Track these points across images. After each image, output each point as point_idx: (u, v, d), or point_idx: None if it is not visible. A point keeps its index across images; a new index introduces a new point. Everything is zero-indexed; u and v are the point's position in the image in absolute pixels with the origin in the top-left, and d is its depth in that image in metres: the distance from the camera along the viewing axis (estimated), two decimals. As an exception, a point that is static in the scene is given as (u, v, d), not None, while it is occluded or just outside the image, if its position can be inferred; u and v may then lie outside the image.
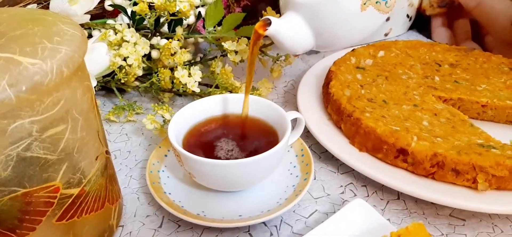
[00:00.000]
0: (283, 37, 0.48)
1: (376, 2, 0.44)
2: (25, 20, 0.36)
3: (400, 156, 0.48)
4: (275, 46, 0.74)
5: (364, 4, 0.44)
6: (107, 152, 0.42)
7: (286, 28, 0.48)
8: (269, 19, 0.47)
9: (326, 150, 0.54)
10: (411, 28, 0.91)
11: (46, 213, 0.35)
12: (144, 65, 0.61)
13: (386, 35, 0.87)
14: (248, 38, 0.64)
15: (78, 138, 0.36)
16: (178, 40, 0.59)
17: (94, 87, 0.59)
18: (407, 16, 0.88)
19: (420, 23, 0.90)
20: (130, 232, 0.45)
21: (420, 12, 0.89)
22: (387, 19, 0.85)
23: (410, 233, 0.38)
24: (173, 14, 0.59)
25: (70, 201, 0.37)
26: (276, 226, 0.45)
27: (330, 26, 0.47)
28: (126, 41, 0.56)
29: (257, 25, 0.48)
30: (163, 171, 0.50)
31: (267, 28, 0.47)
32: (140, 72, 0.59)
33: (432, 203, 0.48)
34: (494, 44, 0.80)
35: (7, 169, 0.31)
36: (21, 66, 0.30)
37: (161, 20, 0.60)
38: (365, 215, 0.43)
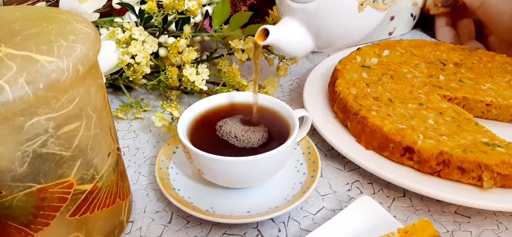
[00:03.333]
0: (283, 44, 0.48)
1: (373, 1, 0.44)
2: (39, 18, 0.37)
3: (406, 154, 0.49)
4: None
5: (361, 4, 0.44)
6: (118, 149, 0.43)
7: (285, 35, 0.48)
8: (267, 29, 0.47)
9: (332, 148, 0.55)
10: (415, 27, 0.91)
11: (60, 209, 0.36)
12: (152, 63, 0.61)
13: (390, 34, 0.87)
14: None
15: (91, 135, 0.36)
16: (186, 38, 0.59)
17: (103, 84, 0.59)
18: (411, 15, 0.88)
19: (424, 22, 0.90)
20: (140, 228, 0.45)
21: (424, 11, 0.89)
22: (392, 18, 0.85)
23: (417, 229, 0.39)
24: (181, 13, 0.59)
25: (83, 197, 0.37)
26: (284, 222, 0.46)
27: (329, 28, 0.47)
28: (135, 39, 0.57)
29: (256, 36, 0.48)
30: (172, 168, 0.51)
31: (266, 38, 0.47)
32: (148, 70, 0.60)
33: (437, 200, 0.48)
34: (497, 44, 0.81)
35: (23, 165, 0.32)
36: (38, 64, 0.31)
37: (169, 18, 0.61)
38: (372, 212, 0.44)
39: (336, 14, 0.45)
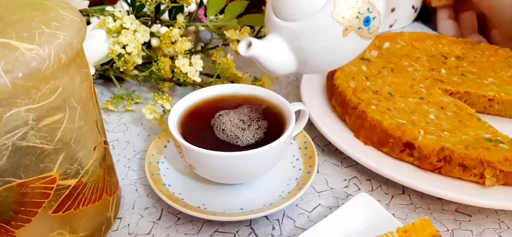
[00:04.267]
0: (265, 60, 0.46)
1: (359, 28, 0.43)
2: (23, 4, 0.35)
3: (406, 150, 0.47)
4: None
5: (346, 29, 0.43)
6: (106, 143, 0.41)
7: (268, 51, 0.46)
8: (250, 41, 0.46)
9: (330, 143, 0.53)
10: (416, 20, 0.90)
11: (42, 205, 0.34)
12: (144, 54, 0.60)
13: (391, 26, 0.85)
14: (251, 27, 0.62)
15: (76, 127, 0.35)
16: (179, 28, 0.57)
17: (92, 75, 0.57)
18: (413, 7, 0.86)
19: (426, 15, 0.89)
20: (129, 225, 0.44)
21: (425, 3, 0.87)
22: (392, 10, 0.83)
23: (417, 229, 0.37)
24: (174, 1, 0.57)
25: (67, 192, 0.36)
26: (278, 220, 0.44)
27: (312, 50, 0.45)
28: (126, 28, 0.55)
29: (238, 46, 0.47)
30: (162, 162, 0.49)
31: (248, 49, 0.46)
32: (139, 61, 0.58)
33: (437, 198, 0.47)
34: (500, 38, 0.79)
35: (2, 159, 0.30)
36: (17, 52, 0.29)
37: (162, 7, 0.59)
38: (370, 210, 0.42)
39: (320, 36, 0.43)
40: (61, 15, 0.34)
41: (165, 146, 0.51)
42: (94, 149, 0.38)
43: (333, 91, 0.57)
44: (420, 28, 0.87)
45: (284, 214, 0.45)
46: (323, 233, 0.40)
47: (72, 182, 0.36)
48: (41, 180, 0.33)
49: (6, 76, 0.28)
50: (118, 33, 0.56)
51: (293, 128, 0.46)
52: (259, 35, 0.65)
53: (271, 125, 0.47)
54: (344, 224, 0.41)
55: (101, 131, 0.40)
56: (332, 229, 0.40)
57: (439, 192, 0.44)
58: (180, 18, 0.59)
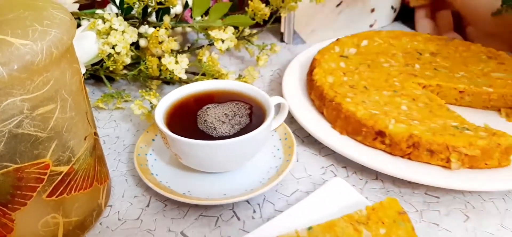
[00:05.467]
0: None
1: None
2: (17, 5, 0.38)
3: (378, 138, 0.51)
4: (261, 35, 0.77)
5: None
6: (96, 134, 0.44)
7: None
8: None
9: (309, 135, 0.56)
10: (396, 19, 0.93)
11: (37, 189, 0.37)
12: (132, 54, 0.62)
13: (371, 26, 0.89)
14: (235, 27, 0.66)
15: (67, 117, 0.38)
16: (166, 28, 0.60)
17: (83, 74, 0.60)
18: (392, 7, 0.90)
19: (405, 14, 0.92)
20: (119, 211, 0.46)
21: (404, 3, 0.91)
22: (372, 10, 0.87)
23: (384, 207, 0.40)
24: (160, 3, 0.60)
25: (59, 178, 0.38)
26: (258, 204, 0.47)
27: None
28: (115, 29, 0.58)
29: None
30: (150, 154, 0.52)
31: None
32: (128, 60, 0.61)
33: (408, 182, 0.50)
34: (475, 35, 0.82)
35: (-1, 145, 0.33)
36: (12, 47, 0.32)
37: (149, 9, 0.62)
38: (344, 193, 0.45)
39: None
40: (53, 14, 0.37)
41: (153, 140, 0.54)
42: (85, 139, 0.41)
43: (312, 86, 0.60)
44: (400, 27, 0.90)
45: (264, 198, 0.48)
46: (299, 215, 0.43)
47: (64, 168, 0.39)
48: (35, 166, 0.36)
49: (3, 68, 0.31)
50: (108, 34, 0.59)
51: (274, 121, 0.49)
52: (242, 35, 0.69)
53: (253, 117, 0.50)
54: (319, 206, 0.44)
55: (91, 123, 0.42)
56: (308, 210, 0.43)
57: (409, 176, 0.47)
58: (167, 19, 0.62)
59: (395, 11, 0.91)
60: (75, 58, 0.40)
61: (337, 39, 0.70)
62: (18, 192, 0.36)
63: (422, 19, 0.87)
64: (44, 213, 0.39)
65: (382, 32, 0.74)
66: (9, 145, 0.34)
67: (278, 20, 0.82)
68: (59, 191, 0.39)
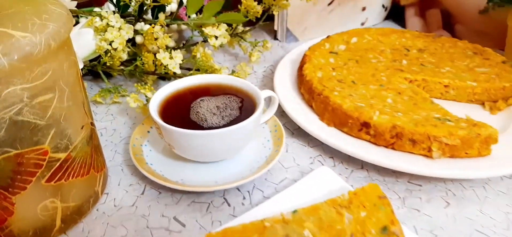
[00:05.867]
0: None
1: None
2: (17, 0, 0.40)
3: (363, 129, 0.53)
4: (256, 33, 0.79)
5: None
6: (92, 124, 0.46)
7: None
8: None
9: (299, 127, 0.58)
10: (387, 18, 0.95)
11: (36, 174, 0.39)
12: (129, 50, 0.65)
13: (362, 24, 0.91)
14: (228, 24, 0.68)
15: (65, 107, 0.40)
16: (161, 25, 0.62)
17: (81, 69, 0.62)
18: (383, 6, 0.92)
19: (396, 13, 0.94)
20: (115, 199, 0.49)
21: (395, 2, 0.93)
22: (363, 9, 0.89)
23: (365, 192, 0.42)
24: (155, 1, 0.62)
25: (57, 164, 0.41)
26: (248, 191, 0.49)
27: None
28: (111, 26, 0.60)
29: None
30: (145, 145, 0.54)
31: None
32: (125, 56, 0.63)
33: (392, 171, 0.52)
34: (464, 32, 0.85)
35: (1, 131, 0.35)
36: (13, 39, 0.34)
37: (145, 7, 0.64)
38: (329, 181, 0.47)
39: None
40: (51, 9, 0.39)
41: (148, 132, 0.56)
42: (82, 128, 0.43)
43: (302, 80, 0.62)
44: (391, 25, 0.93)
45: (254, 186, 0.50)
46: (286, 200, 0.45)
47: (62, 155, 0.41)
48: (34, 152, 0.38)
49: (4, 58, 0.33)
50: (105, 31, 0.61)
51: (265, 114, 0.51)
52: (235, 32, 0.71)
53: (244, 109, 0.52)
54: (305, 192, 0.46)
55: (88, 113, 0.45)
56: (294, 196, 0.45)
57: (392, 165, 0.50)
58: (162, 16, 0.64)
59: (386, 9, 0.93)
60: (72, 51, 0.42)
61: (328, 36, 0.73)
62: (18, 176, 0.38)
63: (412, 17, 0.90)
64: (43, 197, 0.41)
65: (371, 29, 0.76)
66: (10, 131, 0.36)
67: (271, 18, 0.84)
68: (57, 177, 0.41)
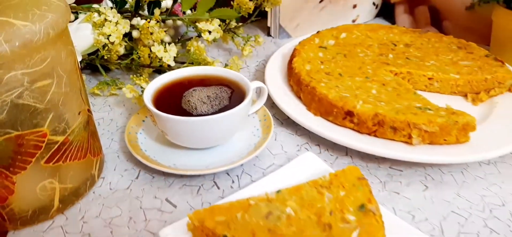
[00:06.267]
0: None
1: None
2: (18, -7, 0.43)
3: (347, 118, 0.55)
4: (250, 30, 0.82)
5: None
6: (89, 111, 0.49)
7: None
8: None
9: (288, 117, 0.61)
10: (377, 15, 0.98)
11: (36, 155, 0.42)
12: (126, 45, 0.67)
13: (353, 21, 0.94)
14: (221, 20, 0.71)
15: (62, 92, 0.42)
16: (157, 21, 0.65)
17: (80, 62, 0.65)
18: (374, 4, 0.95)
19: (386, 10, 0.97)
20: (110, 182, 0.51)
21: (385, 0, 0.96)
22: (354, 6, 0.92)
23: (345, 173, 0.45)
24: (151, -3, 0.65)
25: (56, 147, 0.43)
26: (237, 176, 0.52)
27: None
28: (109, 21, 0.63)
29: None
30: (140, 133, 0.57)
31: None
32: (122, 50, 0.66)
33: (375, 157, 0.55)
34: (451, 28, 0.87)
35: (2, 113, 0.38)
36: (14, 27, 0.37)
37: (141, 3, 0.67)
38: (313, 165, 0.50)
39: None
40: (50, 1, 0.42)
41: (143, 121, 0.58)
42: (79, 114, 0.46)
43: (291, 73, 0.65)
44: (381, 23, 0.95)
45: (243, 171, 0.53)
46: (271, 183, 0.47)
47: (60, 138, 0.43)
48: (34, 134, 0.41)
49: (6, 44, 0.36)
50: (103, 25, 0.64)
51: (248, 103, 0.54)
52: (228, 27, 0.74)
53: (234, 99, 0.55)
54: (290, 176, 0.48)
55: (85, 100, 0.47)
56: (279, 179, 0.48)
57: (374, 150, 0.52)
58: (157, 11, 0.67)
59: (376, 7, 0.96)
60: (70, 41, 0.45)
61: (318, 32, 0.75)
62: (18, 157, 0.41)
63: (401, 15, 0.92)
64: (42, 178, 0.44)
65: (360, 25, 0.78)
66: (11, 113, 0.39)
67: (265, 15, 0.87)
68: (55, 159, 0.44)
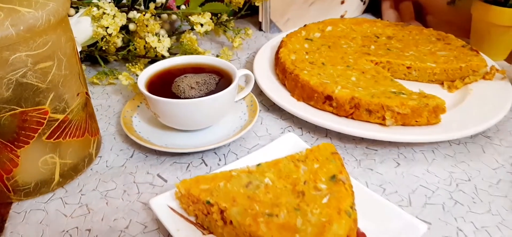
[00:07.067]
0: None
1: None
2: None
3: (327, 102, 0.59)
4: (242, 24, 0.86)
5: None
6: (87, 94, 0.53)
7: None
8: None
9: (274, 104, 0.65)
10: (365, 11, 1.02)
11: (38, 131, 0.46)
12: (123, 37, 0.72)
13: (342, 17, 0.98)
14: (213, 14, 0.75)
15: (62, 74, 0.47)
16: (152, 14, 0.70)
17: (80, 54, 0.70)
18: (361, 0, 0.99)
19: (373, 6, 1.01)
20: (107, 161, 0.56)
21: (373, -4, 1.00)
22: (342, 2, 0.96)
23: (320, 149, 0.49)
24: (146, -8, 0.70)
25: (56, 124, 0.48)
26: (224, 154, 0.56)
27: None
28: (107, 14, 0.67)
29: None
30: (135, 117, 0.61)
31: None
32: (119, 42, 0.70)
33: (352, 138, 0.59)
34: (434, 23, 0.92)
35: (9, 90, 0.42)
36: (19, 13, 0.41)
37: (137, -3, 0.72)
38: (294, 144, 0.54)
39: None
40: (51, -9, 0.46)
41: (138, 106, 0.63)
42: (78, 95, 0.50)
43: (277, 62, 0.69)
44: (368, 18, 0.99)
45: (229, 150, 0.57)
46: (254, 159, 0.52)
47: (60, 116, 0.48)
48: (37, 111, 0.45)
49: (12, 28, 0.40)
50: (101, 18, 0.68)
51: (234, 89, 0.58)
52: (220, 21, 0.78)
53: (221, 84, 0.59)
54: (271, 153, 0.53)
55: (83, 83, 0.52)
56: (262, 155, 0.52)
57: (351, 131, 0.56)
58: (152, 6, 0.71)
59: (364, 3, 1.00)
60: (69, 29, 0.49)
61: (305, 25, 0.80)
62: (22, 132, 0.45)
63: (387, 10, 0.97)
64: (43, 152, 0.48)
65: (346, 19, 0.83)
66: (16, 91, 0.43)
67: (256, 11, 0.91)
68: (56, 135, 0.48)
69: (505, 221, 0.47)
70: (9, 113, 0.44)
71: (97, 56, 0.73)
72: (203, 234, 0.44)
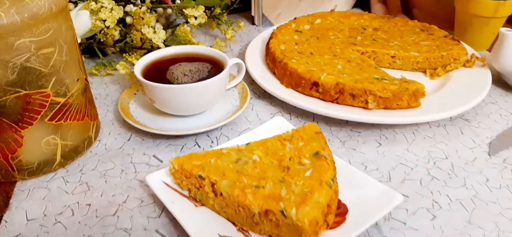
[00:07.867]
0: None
1: None
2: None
3: (313, 88, 0.63)
4: (236, 19, 0.89)
5: None
6: (86, 80, 0.56)
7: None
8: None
9: (264, 91, 0.69)
10: (355, 6, 1.05)
11: (41, 113, 0.50)
12: (121, 30, 0.75)
13: (332, 11, 1.01)
14: (207, 7, 0.78)
15: (63, 60, 0.50)
16: (147, 8, 0.73)
17: (79, 45, 0.73)
18: (351, -5, 1.03)
19: (363, 1, 1.05)
20: (105, 144, 0.59)
21: (362, -9, 1.04)
22: (332, -3, 0.99)
23: (305, 129, 0.52)
24: (142, -14, 0.73)
25: (58, 107, 0.51)
26: (216, 137, 0.60)
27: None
28: (104, 7, 0.71)
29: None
30: (132, 104, 0.64)
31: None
32: (116, 34, 0.73)
33: (338, 122, 0.62)
34: (420, 16, 0.95)
35: (14, 74, 0.46)
36: (24, 2, 0.44)
37: (133, -8, 0.75)
38: (282, 126, 0.57)
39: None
40: (52, -17, 0.50)
41: (135, 94, 0.66)
42: (77, 81, 0.53)
43: (268, 53, 0.73)
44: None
45: (221, 133, 0.60)
46: (244, 140, 0.55)
47: (61, 100, 0.51)
48: (40, 94, 0.49)
49: (17, 16, 0.43)
50: (99, 12, 0.71)
51: (225, 77, 0.61)
52: (213, 14, 0.81)
53: (213, 72, 0.62)
54: (261, 134, 0.56)
55: (82, 70, 0.55)
56: (252, 137, 0.56)
57: (336, 114, 0.60)
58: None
59: (354, -2, 1.03)
60: (70, 18, 0.52)
61: (295, 18, 0.83)
62: (26, 113, 0.49)
63: (376, 4, 1.00)
64: (46, 133, 0.51)
65: (334, 12, 0.86)
66: (20, 74, 0.46)
67: (249, 6, 0.94)
68: (57, 117, 0.51)
69: (478, 195, 0.51)
70: (14, 95, 0.47)
71: (96, 48, 0.76)
72: (196, 206, 0.47)
